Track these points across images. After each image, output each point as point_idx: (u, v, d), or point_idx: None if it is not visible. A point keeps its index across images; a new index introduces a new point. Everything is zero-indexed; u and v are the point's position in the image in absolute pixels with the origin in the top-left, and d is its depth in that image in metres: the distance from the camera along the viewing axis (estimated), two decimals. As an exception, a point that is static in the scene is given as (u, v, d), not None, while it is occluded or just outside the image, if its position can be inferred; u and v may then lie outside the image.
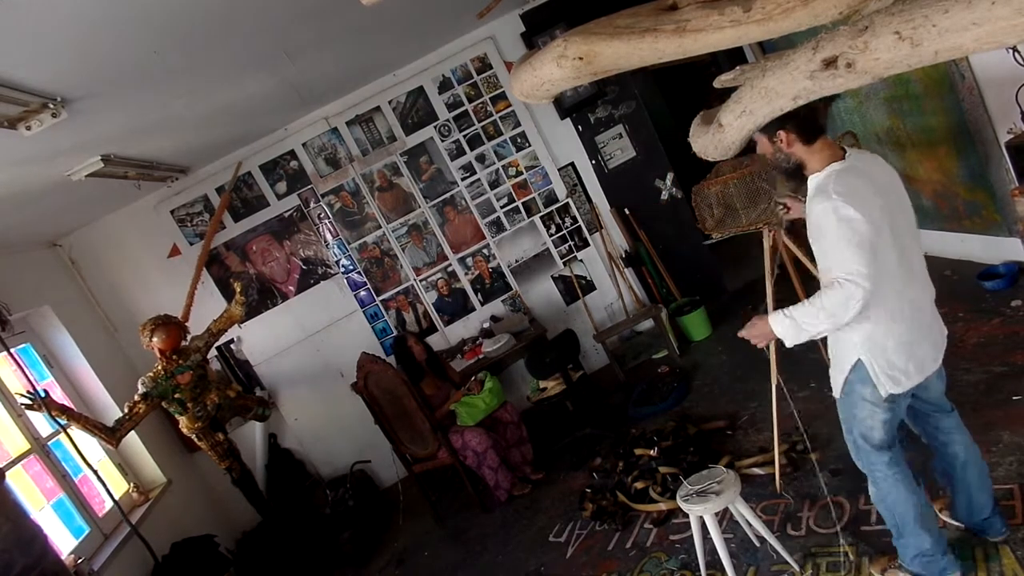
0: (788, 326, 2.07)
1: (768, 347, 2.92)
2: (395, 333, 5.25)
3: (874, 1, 1.67)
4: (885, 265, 1.97)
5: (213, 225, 5.04)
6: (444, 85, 5.22)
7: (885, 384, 2.09)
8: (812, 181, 2.08)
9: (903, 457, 2.24)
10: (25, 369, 3.81)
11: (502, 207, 5.37)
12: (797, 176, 2.15)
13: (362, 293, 5.31)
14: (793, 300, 3.33)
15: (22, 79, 2.33)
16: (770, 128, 2.10)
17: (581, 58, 2.00)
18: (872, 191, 1.97)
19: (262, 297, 5.21)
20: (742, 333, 2.27)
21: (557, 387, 4.67)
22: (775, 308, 2.87)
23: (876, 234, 1.93)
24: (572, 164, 5.41)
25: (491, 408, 4.26)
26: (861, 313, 1.96)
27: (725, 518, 2.99)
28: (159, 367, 4.01)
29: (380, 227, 5.27)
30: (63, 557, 3.35)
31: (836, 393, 2.23)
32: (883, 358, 2.08)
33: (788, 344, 2.13)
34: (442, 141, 5.26)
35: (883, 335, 2.06)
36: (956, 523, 2.43)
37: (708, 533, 2.61)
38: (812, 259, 3.02)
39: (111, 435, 3.78)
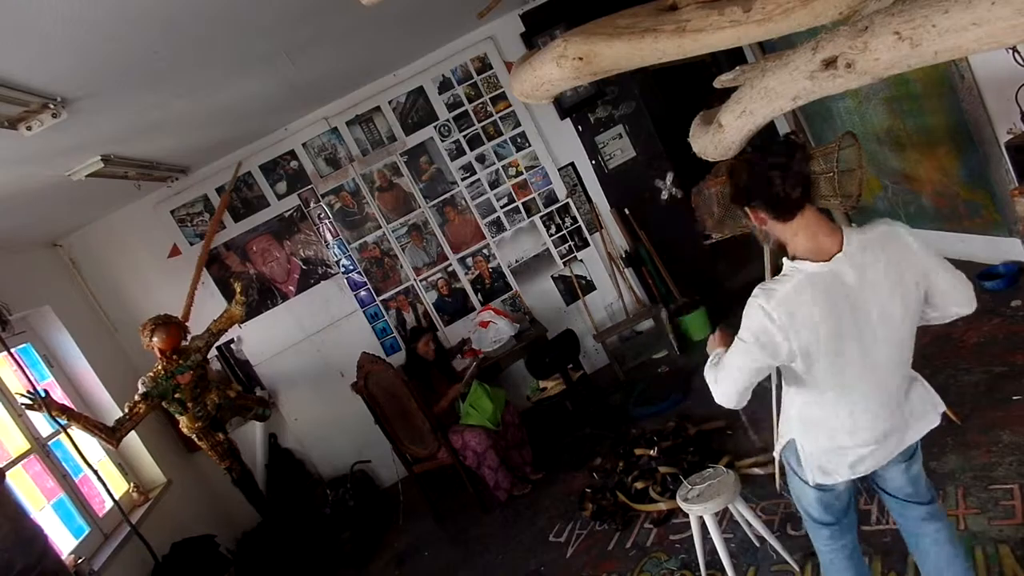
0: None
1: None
2: (414, 327, 5.18)
3: (874, 1, 1.67)
4: (829, 381, 1.77)
5: (213, 225, 5.04)
6: (444, 85, 5.22)
7: (812, 472, 1.90)
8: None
9: (850, 533, 2.04)
10: (25, 369, 3.81)
11: (502, 207, 5.37)
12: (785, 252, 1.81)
13: (362, 293, 5.31)
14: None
15: (22, 79, 2.33)
16: (738, 201, 1.85)
17: (581, 58, 2.00)
18: (830, 315, 1.67)
19: (262, 297, 5.21)
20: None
21: (557, 387, 4.67)
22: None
23: (803, 358, 1.70)
24: (572, 164, 5.41)
25: (497, 412, 4.27)
26: (796, 392, 1.87)
27: (725, 518, 2.98)
28: (159, 367, 4.01)
29: (380, 227, 5.27)
30: (63, 557, 3.35)
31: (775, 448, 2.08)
32: (811, 450, 1.89)
33: None
34: (442, 141, 5.26)
35: (815, 431, 1.88)
36: None
37: (708, 533, 2.62)
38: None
39: (111, 435, 3.77)
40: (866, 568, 2.12)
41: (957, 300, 1.77)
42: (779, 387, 2.97)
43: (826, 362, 1.73)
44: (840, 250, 1.67)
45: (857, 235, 1.70)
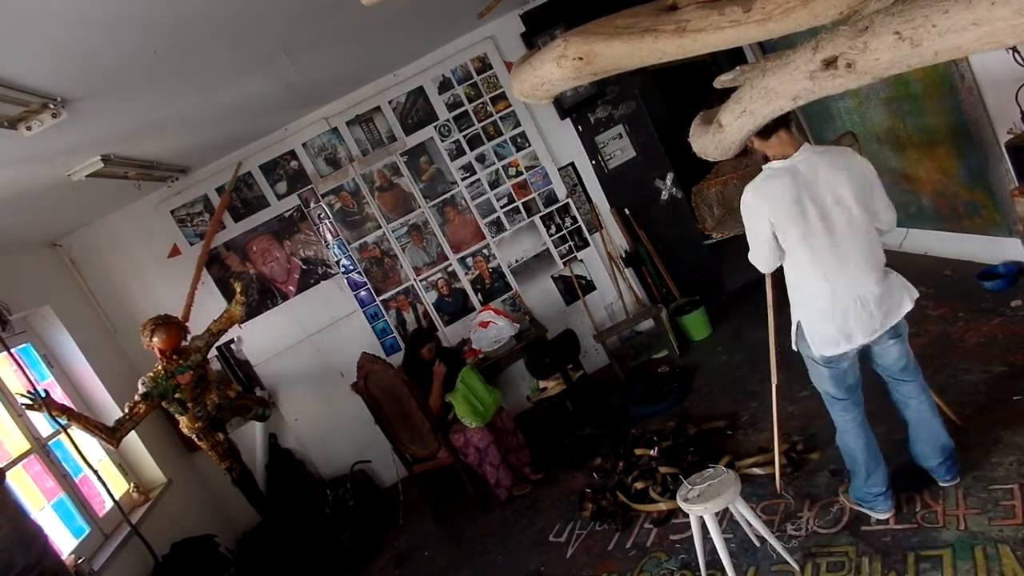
0: None
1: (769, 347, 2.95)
2: (416, 328, 5.16)
3: (874, 1, 1.68)
4: (807, 252, 2.40)
5: (213, 225, 5.04)
6: (444, 85, 5.22)
7: (818, 346, 2.47)
8: None
9: (858, 407, 2.58)
10: (25, 369, 3.81)
11: (502, 207, 5.37)
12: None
13: (362, 293, 5.31)
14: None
15: (22, 79, 2.33)
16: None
17: (581, 58, 2.00)
18: (791, 193, 2.34)
19: (262, 297, 5.21)
20: None
21: (557, 387, 4.66)
22: (775, 318, 2.93)
23: (782, 228, 2.39)
24: (572, 164, 5.41)
25: (492, 407, 4.24)
26: (789, 278, 2.51)
27: (725, 518, 2.99)
28: (159, 367, 4.01)
29: (380, 227, 5.27)
30: (63, 557, 3.35)
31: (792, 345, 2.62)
32: (811, 325, 2.48)
33: None
34: (442, 141, 5.26)
35: (809, 308, 2.48)
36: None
37: (708, 533, 2.62)
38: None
39: (111, 435, 3.77)
40: (873, 437, 2.61)
41: (880, 220, 2.42)
42: (779, 387, 3.00)
43: (796, 232, 2.36)
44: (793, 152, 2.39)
45: (811, 148, 2.39)
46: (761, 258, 2.52)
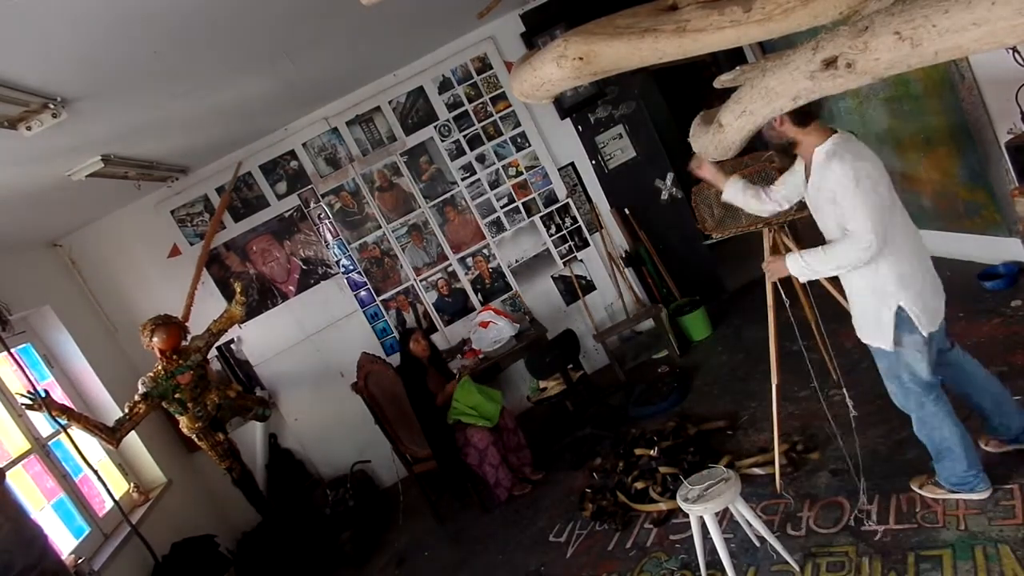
0: (800, 268, 2.41)
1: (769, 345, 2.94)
2: (401, 329, 5.21)
3: (874, 1, 1.68)
4: (896, 218, 2.31)
5: (213, 225, 5.04)
6: (444, 85, 5.22)
7: (925, 325, 2.33)
8: (819, 152, 2.33)
9: (943, 392, 2.46)
10: (25, 369, 3.81)
11: (502, 207, 5.37)
12: (788, 153, 2.46)
13: (362, 293, 5.31)
14: (794, 298, 3.34)
15: (22, 79, 2.33)
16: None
17: (581, 58, 2.00)
18: (873, 159, 2.29)
19: (262, 297, 5.21)
20: (764, 266, 2.66)
21: (557, 387, 4.66)
22: (775, 318, 2.91)
23: (887, 193, 2.26)
24: (572, 164, 5.41)
25: (495, 411, 4.23)
26: (879, 263, 2.29)
27: (725, 518, 2.98)
28: (159, 367, 4.01)
29: (380, 227, 5.27)
30: (63, 557, 3.35)
31: (878, 343, 2.43)
32: (920, 300, 2.33)
33: (802, 280, 2.60)
34: (442, 141, 5.26)
35: (911, 278, 2.33)
36: (1004, 448, 2.63)
37: (708, 533, 2.61)
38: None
39: (111, 435, 3.78)
40: (961, 424, 2.47)
41: None
42: (779, 387, 2.99)
43: (892, 199, 2.32)
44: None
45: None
46: (881, 237, 2.25)
